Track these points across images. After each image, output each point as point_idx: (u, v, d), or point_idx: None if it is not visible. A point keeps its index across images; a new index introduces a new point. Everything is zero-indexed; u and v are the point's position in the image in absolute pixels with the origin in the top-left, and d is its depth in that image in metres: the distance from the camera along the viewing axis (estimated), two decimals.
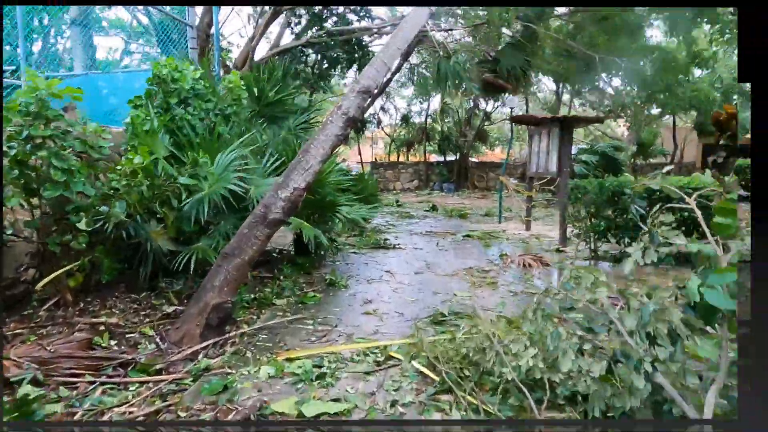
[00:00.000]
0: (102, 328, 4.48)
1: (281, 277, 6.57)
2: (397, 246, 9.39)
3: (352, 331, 4.74)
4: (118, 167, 5.22)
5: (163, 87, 6.40)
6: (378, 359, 4.05)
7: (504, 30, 16.63)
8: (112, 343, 4.34)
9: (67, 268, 4.86)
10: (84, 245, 4.82)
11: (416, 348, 4.02)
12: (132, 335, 4.52)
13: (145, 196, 5.29)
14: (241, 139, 6.39)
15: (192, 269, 5.18)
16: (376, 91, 5.86)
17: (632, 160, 24.59)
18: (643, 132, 25.58)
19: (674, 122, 27.62)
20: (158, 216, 5.49)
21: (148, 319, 4.87)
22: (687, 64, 19.52)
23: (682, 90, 20.05)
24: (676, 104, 21.19)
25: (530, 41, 17.25)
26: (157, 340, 4.39)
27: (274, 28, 18.50)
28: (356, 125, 5.52)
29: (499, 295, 5.91)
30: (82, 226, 4.76)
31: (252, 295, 5.65)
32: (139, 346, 4.27)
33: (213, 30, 11.27)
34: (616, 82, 23.45)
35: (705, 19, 15.68)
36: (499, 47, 17.89)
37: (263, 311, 5.28)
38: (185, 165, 5.64)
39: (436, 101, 29.74)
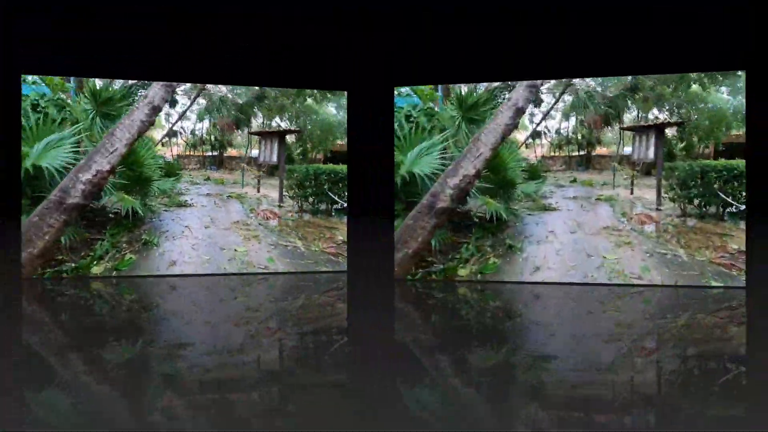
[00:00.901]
0: None
1: (105, 240, 4.89)
2: (192, 204, 7.95)
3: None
4: None
5: None
6: None
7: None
8: None
9: None
10: None
11: None
12: None
13: None
14: (74, 126, 4.43)
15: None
16: (178, 87, 4.49)
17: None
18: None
19: None
20: None
21: None
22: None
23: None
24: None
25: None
26: None
27: None
28: (159, 112, 4.15)
29: (265, 249, 5.12)
30: None
31: (73, 264, 4.10)
32: None
33: None
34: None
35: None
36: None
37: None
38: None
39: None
